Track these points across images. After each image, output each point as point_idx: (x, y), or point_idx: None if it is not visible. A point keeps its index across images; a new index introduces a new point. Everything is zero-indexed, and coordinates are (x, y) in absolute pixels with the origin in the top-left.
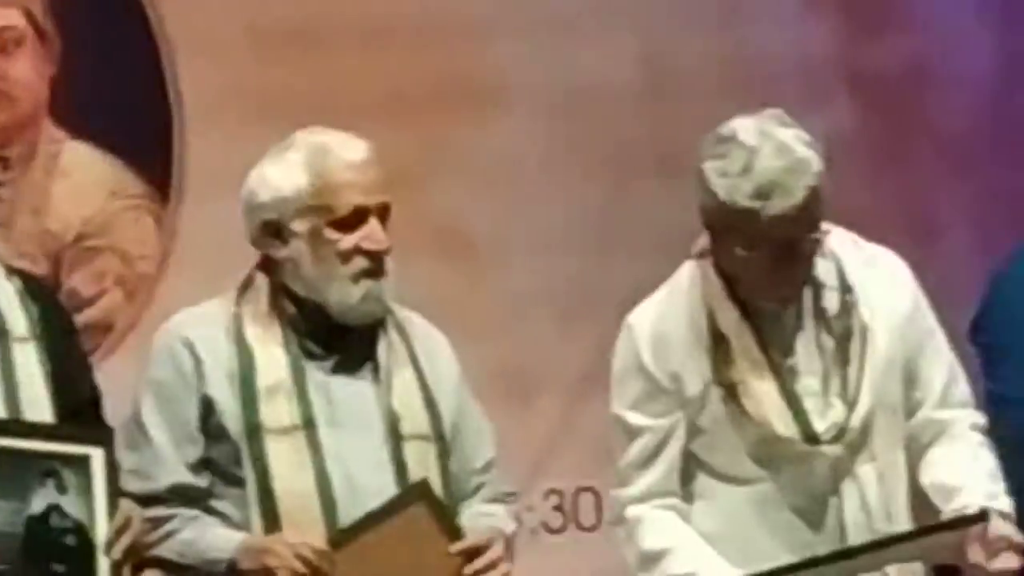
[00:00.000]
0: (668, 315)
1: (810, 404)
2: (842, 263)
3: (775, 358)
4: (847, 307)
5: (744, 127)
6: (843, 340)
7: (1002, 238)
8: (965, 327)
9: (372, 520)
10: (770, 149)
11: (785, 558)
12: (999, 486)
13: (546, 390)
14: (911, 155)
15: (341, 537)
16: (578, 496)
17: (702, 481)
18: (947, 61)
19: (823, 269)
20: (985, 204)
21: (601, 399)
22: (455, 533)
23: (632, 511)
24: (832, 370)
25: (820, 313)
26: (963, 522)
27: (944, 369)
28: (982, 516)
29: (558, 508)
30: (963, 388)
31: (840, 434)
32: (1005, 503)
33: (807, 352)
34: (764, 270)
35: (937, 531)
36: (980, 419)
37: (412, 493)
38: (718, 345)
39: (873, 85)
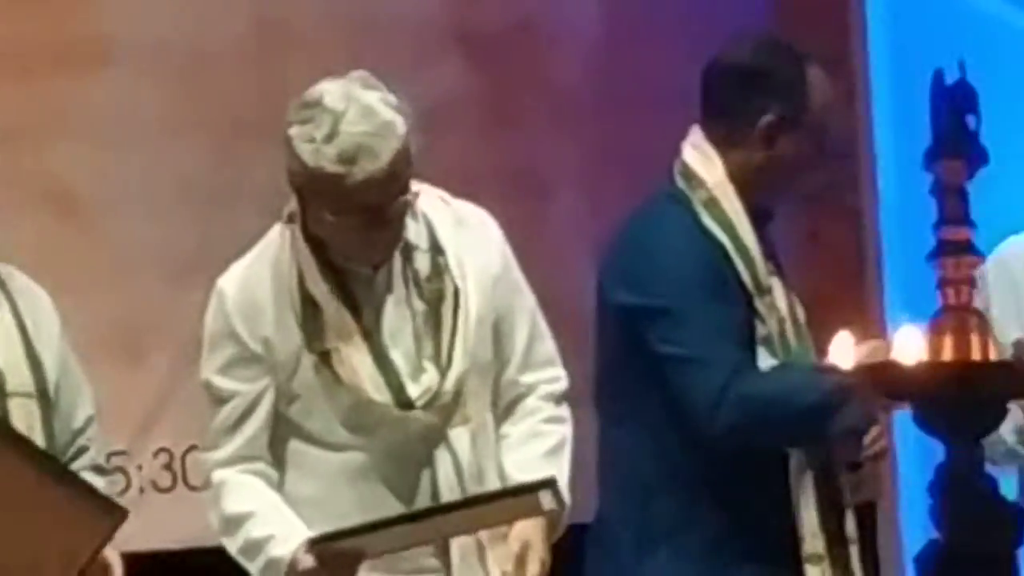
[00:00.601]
0: (257, 279)
1: (403, 369)
2: (433, 224)
3: (367, 323)
4: (438, 269)
5: (329, 91)
6: (435, 303)
7: (611, 197)
8: (574, 285)
9: None
10: (355, 113)
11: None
12: (554, 467)
13: (156, 349)
14: (521, 115)
15: None
16: (187, 455)
17: (295, 446)
18: (556, 20)
19: (414, 231)
20: (594, 163)
21: None
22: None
23: (218, 475)
24: (425, 334)
25: (412, 276)
26: (528, 489)
27: (527, 328)
28: (549, 483)
29: (167, 467)
30: (546, 346)
31: (433, 399)
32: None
33: (399, 316)
34: (353, 234)
35: (501, 498)
36: (558, 382)
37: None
38: (308, 311)
39: (482, 44)
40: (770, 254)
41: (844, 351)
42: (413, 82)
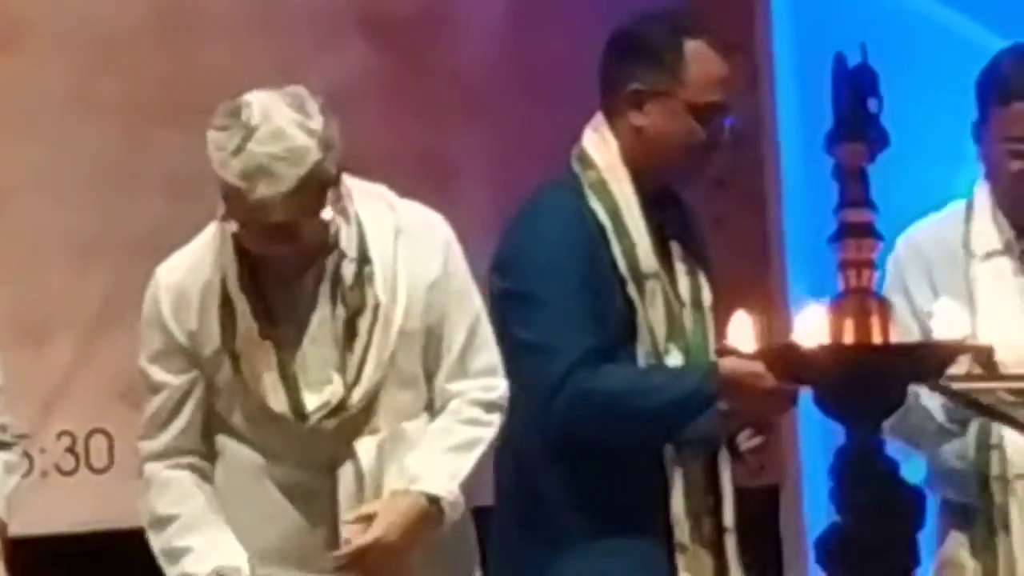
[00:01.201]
0: (191, 271)
1: (307, 380)
2: (365, 233)
3: (283, 329)
4: (362, 280)
5: (252, 104)
6: (354, 314)
7: (517, 182)
8: (480, 269)
9: None
10: (265, 132)
11: (274, 535)
12: (454, 462)
13: (59, 331)
14: (426, 98)
15: None
16: (90, 438)
17: (222, 439)
18: (461, 5)
19: (346, 238)
20: (500, 148)
21: (115, 340)
22: None
23: (148, 468)
24: (340, 344)
25: (336, 284)
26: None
27: (463, 336)
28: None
29: (70, 450)
30: (485, 356)
31: (335, 411)
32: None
33: (319, 324)
34: (260, 246)
35: None
36: (493, 391)
37: None
38: (227, 311)
39: (387, 28)
40: (677, 236)
41: (743, 331)
42: (318, 65)
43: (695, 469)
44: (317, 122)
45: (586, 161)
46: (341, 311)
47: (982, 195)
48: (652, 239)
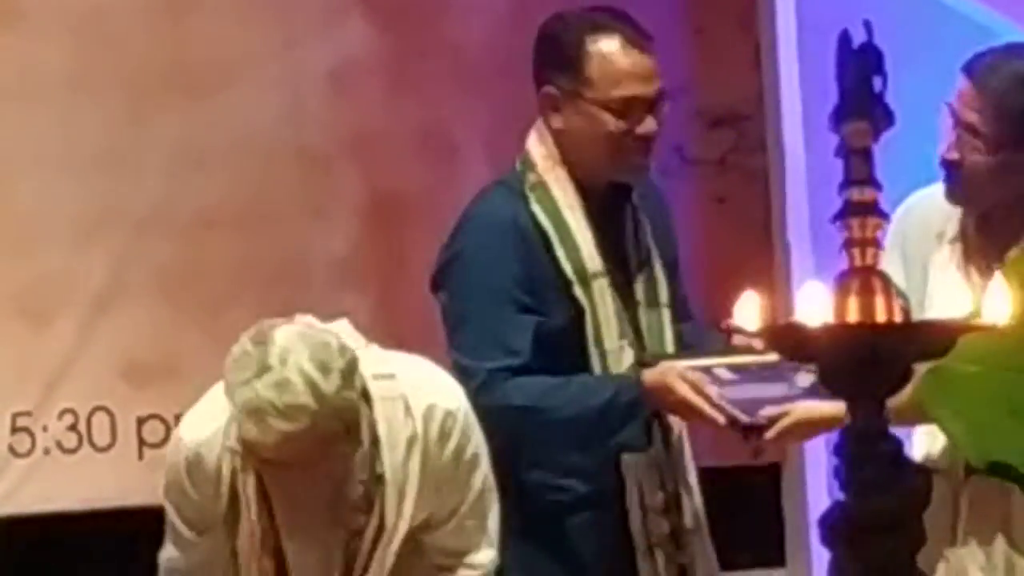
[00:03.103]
0: (208, 442)
1: None
2: (380, 451)
3: (282, 523)
4: (370, 499)
5: (276, 340)
6: (356, 532)
7: (515, 158)
8: None
9: None
10: (273, 378)
11: None
12: None
13: (61, 309)
14: (426, 75)
15: None
16: (92, 416)
17: None
18: None
19: (360, 459)
20: (501, 125)
21: (117, 318)
22: None
23: None
24: (338, 554)
25: (340, 503)
26: None
27: (454, 522)
28: None
29: (72, 428)
30: (469, 537)
31: None
32: None
33: (322, 539)
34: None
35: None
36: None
37: None
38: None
39: (388, 5)
40: (631, 230)
41: (750, 312)
42: (319, 43)
43: (643, 469)
44: (332, 383)
45: (528, 162)
46: (342, 532)
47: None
48: (600, 236)
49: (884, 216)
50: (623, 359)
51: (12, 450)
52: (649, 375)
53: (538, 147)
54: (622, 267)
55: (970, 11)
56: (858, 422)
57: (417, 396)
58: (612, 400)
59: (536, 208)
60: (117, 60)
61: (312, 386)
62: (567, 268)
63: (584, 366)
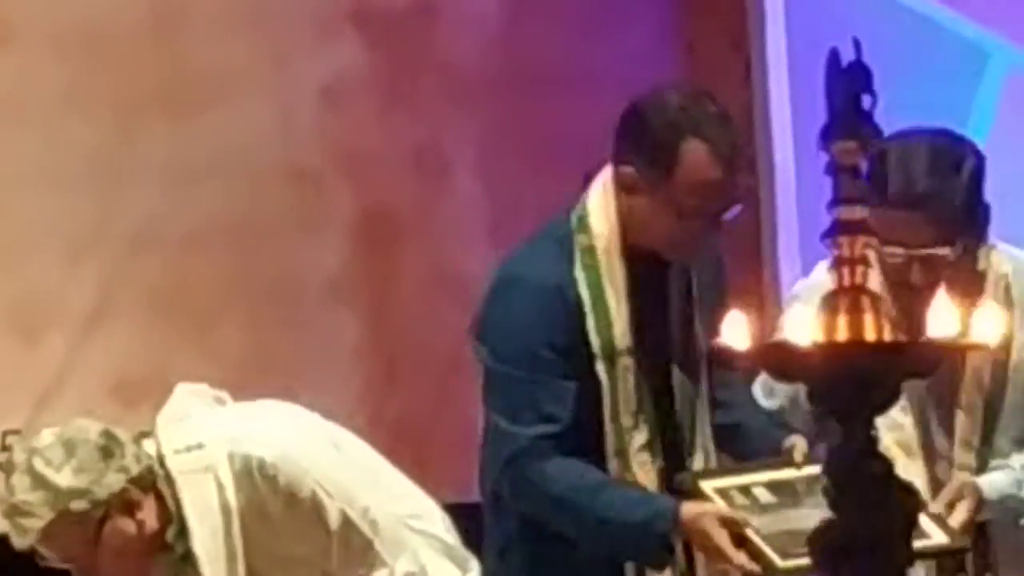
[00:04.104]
0: None
1: None
2: (189, 530)
3: None
4: None
5: (20, 445)
6: None
7: (509, 176)
8: (472, 263)
9: None
10: (24, 478)
11: None
12: None
13: (52, 325)
14: (418, 92)
15: None
16: None
17: None
18: (454, 0)
19: (171, 535)
20: (492, 142)
21: (108, 335)
22: None
23: None
24: None
25: None
26: None
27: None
28: None
29: None
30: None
31: None
32: None
33: None
34: None
35: None
36: None
37: None
38: None
39: (379, 21)
40: (678, 298)
41: (738, 331)
42: (311, 59)
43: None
44: (65, 474)
45: (583, 222)
46: None
47: (874, 273)
48: (643, 307)
49: (873, 234)
50: (636, 437)
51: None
52: (687, 512)
53: (598, 211)
54: (663, 342)
55: (960, 28)
56: (847, 441)
57: (233, 457)
58: (645, 525)
59: (580, 275)
60: (108, 77)
61: (29, 485)
62: (594, 342)
63: (599, 438)
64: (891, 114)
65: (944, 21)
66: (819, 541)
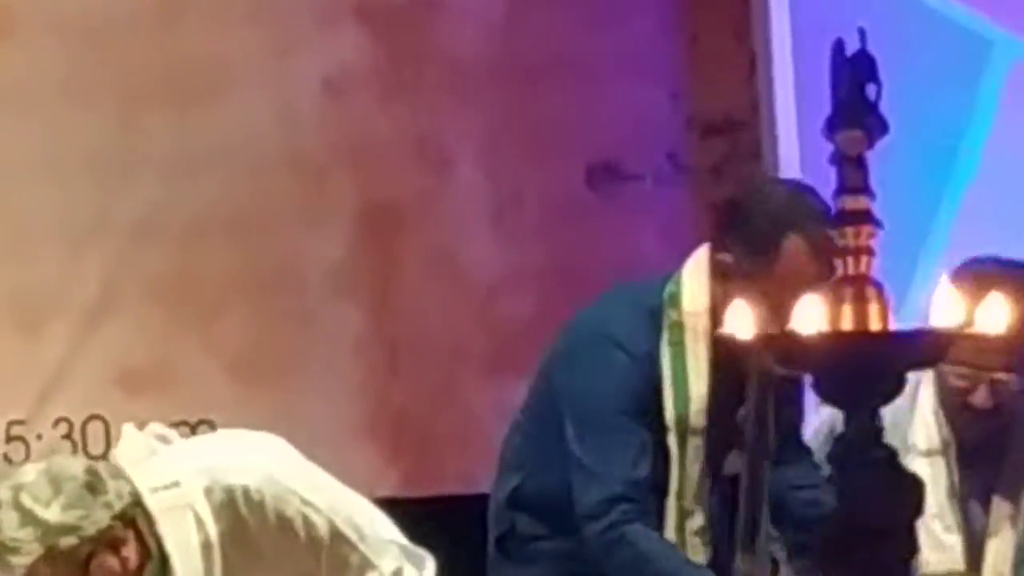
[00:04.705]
0: None
1: None
2: (172, 569)
3: None
4: None
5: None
6: None
7: (510, 167)
8: (474, 254)
9: None
10: (12, 514)
11: None
12: None
13: (55, 317)
14: (420, 84)
15: None
16: (87, 424)
17: None
18: None
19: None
20: (494, 133)
21: (112, 326)
22: None
23: None
24: None
25: None
26: None
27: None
28: None
29: (67, 436)
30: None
31: None
32: None
33: None
34: None
35: None
36: None
37: None
38: None
39: (382, 13)
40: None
41: (742, 319)
42: (313, 51)
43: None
44: (53, 509)
45: (675, 296)
46: None
47: (926, 391)
48: (722, 388)
49: (878, 224)
50: (694, 520)
51: (7, 459)
52: None
53: (691, 291)
54: (733, 427)
55: (964, 19)
56: (852, 430)
57: (212, 491)
58: None
59: (665, 349)
60: (110, 68)
61: (29, 516)
62: (670, 415)
63: (660, 510)
64: (895, 104)
65: (947, 11)
66: (824, 530)
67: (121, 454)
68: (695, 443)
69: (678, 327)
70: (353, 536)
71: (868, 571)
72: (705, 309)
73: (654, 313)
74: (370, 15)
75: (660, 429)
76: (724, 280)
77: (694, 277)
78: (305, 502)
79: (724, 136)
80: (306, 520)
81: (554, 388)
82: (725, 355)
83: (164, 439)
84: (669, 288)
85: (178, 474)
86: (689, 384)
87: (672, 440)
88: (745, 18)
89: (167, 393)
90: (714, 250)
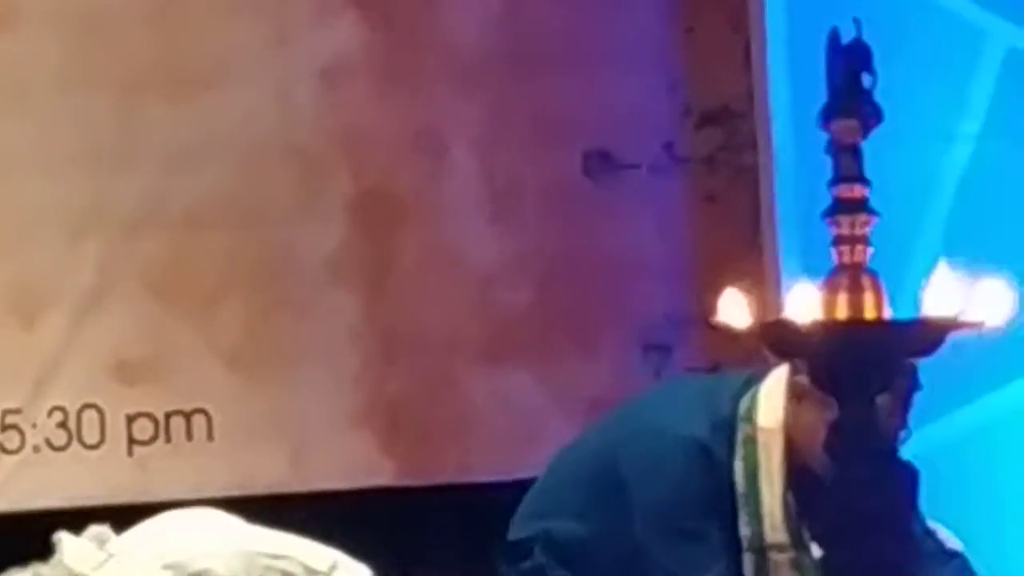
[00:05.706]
0: None
1: None
2: None
3: None
4: None
5: None
6: None
7: (508, 156)
8: (471, 242)
9: None
10: None
11: None
12: None
13: (51, 306)
14: (418, 73)
15: None
16: (82, 413)
17: None
18: None
19: None
20: (492, 122)
21: (107, 316)
22: None
23: None
24: None
25: None
26: None
27: None
28: None
29: (62, 425)
30: None
31: None
32: None
33: None
34: None
35: None
36: None
37: None
38: None
39: (379, 3)
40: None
41: (736, 308)
42: (310, 40)
43: None
44: None
45: (751, 413)
46: None
47: None
48: (798, 503)
49: (873, 212)
50: None
51: (2, 447)
52: None
53: (767, 407)
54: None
55: (959, 7)
56: (848, 419)
57: None
58: None
59: (738, 465)
60: (106, 58)
61: None
62: (743, 533)
63: None
64: (890, 94)
65: (942, 1)
66: (820, 518)
67: (73, 559)
68: (776, 559)
69: (751, 442)
70: (324, 568)
71: (868, 559)
72: (779, 427)
73: (726, 422)
74: (367, 5)
75: (737, 547)
76: (798, 402)
77: (772, 396)
78: (272, 559)
79: (720, 125)
80: (284, 572)
81: (624, 481)
82: (800, 467)
83: (100, 538)
84: (744, 403)
85: (142, 572)
86: (762, 500)
87: (747, 559)
88: (741, 8)
89: (162, 382)
90: (793, 371)
